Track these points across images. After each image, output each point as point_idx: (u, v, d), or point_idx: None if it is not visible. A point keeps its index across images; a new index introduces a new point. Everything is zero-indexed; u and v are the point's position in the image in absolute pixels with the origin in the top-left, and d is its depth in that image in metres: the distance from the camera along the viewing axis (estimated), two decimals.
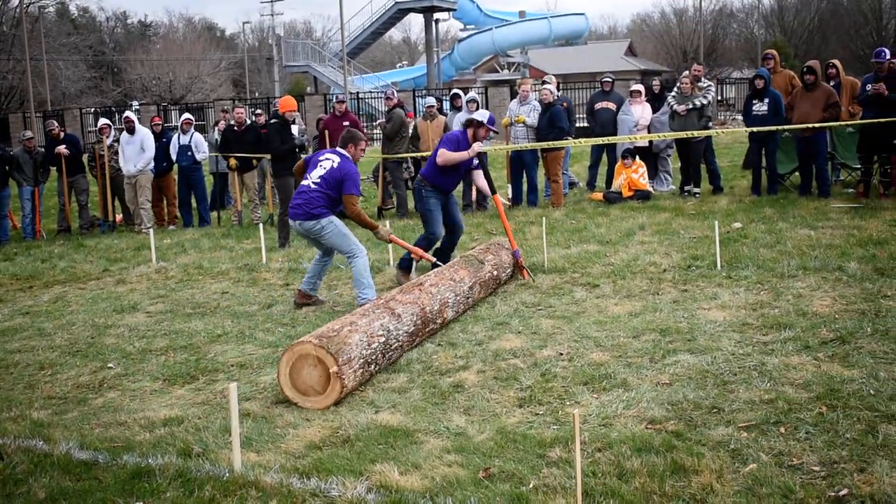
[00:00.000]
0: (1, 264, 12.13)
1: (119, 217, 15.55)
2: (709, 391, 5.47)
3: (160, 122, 15.28)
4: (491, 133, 9.56)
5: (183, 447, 5.02)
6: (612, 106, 15.18)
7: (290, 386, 5.81)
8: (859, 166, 13.02)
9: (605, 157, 15.69)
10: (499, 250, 9.08)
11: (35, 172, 14.58)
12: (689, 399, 5.33)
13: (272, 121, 11.86)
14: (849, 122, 13.12)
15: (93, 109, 44.83)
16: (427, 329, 7.08)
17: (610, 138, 14.19)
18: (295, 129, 12.46)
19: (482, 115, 9.51)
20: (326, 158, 8.49)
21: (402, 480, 4.44)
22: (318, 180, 8.34)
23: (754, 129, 13.00)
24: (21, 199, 14.52)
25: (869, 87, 12.23)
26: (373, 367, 6.15)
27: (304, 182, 8.49)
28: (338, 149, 8.65)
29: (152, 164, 14.54)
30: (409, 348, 6.82)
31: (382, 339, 6.29)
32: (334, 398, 5.69)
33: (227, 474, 4.59)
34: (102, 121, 15.46)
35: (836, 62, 14.14)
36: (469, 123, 9.47)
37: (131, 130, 14.38)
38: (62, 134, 15.13)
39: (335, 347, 5.74)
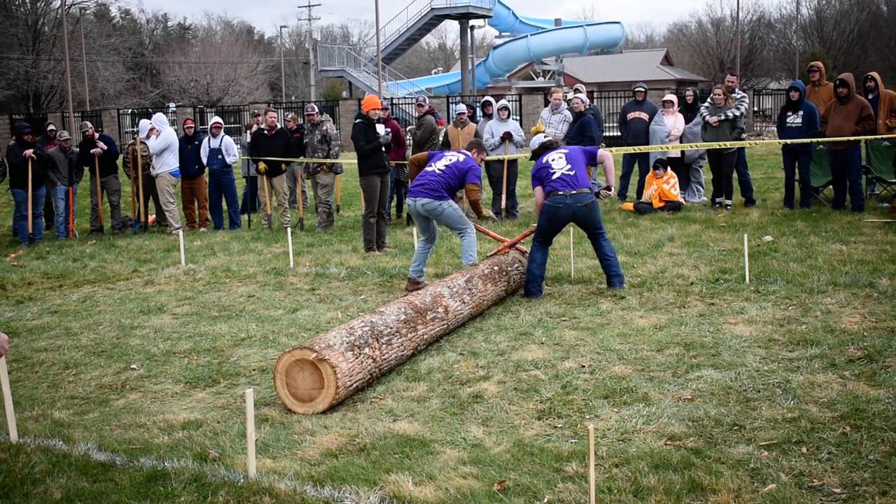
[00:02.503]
0: (33, 263, 12.26)
1: (152, 218, 15.67)
2: (731, 408, 5.40)
3: (193, 126, 15.37)
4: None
5: (200, 451, 5.03)
6: (644, 116, 15.08)
7: (294, 402, 5.84)
8: (894, 180, 12.84)
9: (636, 168, 15.59)
10: (498, 256, 9.19)
11: (70, 172, 14.73)
12: (711, 415, 5.27)
13: (357, 120, 11.87)
14: (883, 136, 12.95)
15: (130, 110, 45.28)
16: (429, 317, 7.13)
17: (641, 147, 14.11)
18: (380, 129, 12.45)
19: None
20: (453, 154, 9.55)
21: (416, 491, 4.41)
22: (444, 168, 9.32)
23: (787, 141, 12.87)
24: (55, 199, 14.66)
25: None
26: (368, 350, 6.15)
27: (429, 169, 9.41)
28: (463, 150, 9.76)
29: (173, 167, 14.63)
30: (416, 336, 6.84)
31: (367, 328, 6.35)
32: (333, 386, 5.71)
33: (242, 480, 4.59)
34: (143, 122, 15.58)
35: (875, 74, 13.96)
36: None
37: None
38: (97, 135, 15.26)
39: (308, 343, 5.90)
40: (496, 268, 8.82)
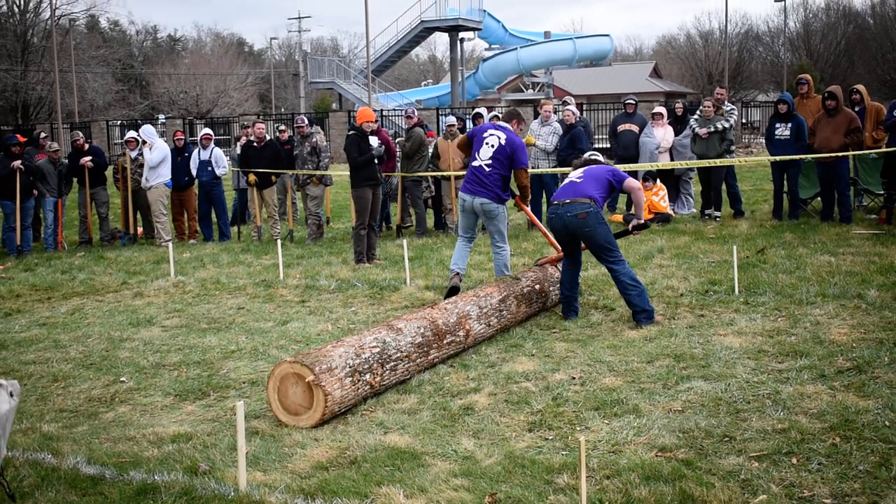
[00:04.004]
0: (21, 275, 12.21)
1: (140, 230, 15.63)
2: (721, 419, 5.41)
3: (183, 137, 15.35)
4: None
5: (190, 464, 5.01)
6: (634, 128, 15.14)
7: (282, 411, 5.80)
8: (882, 192, 12.92)
9: None
10: (544, 268, 9.00)
11: (59, 183, 14.68)
12: (701, 427, 5.27)
13: (350, 132, 11.88)
14: (872, 150, 13.02)
15: (119, 122, 45.22)
16: (446, 342, 6.98)
17: (629, 165, 14.19)
18: (374, 141, 12.45)
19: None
20: (491, 134, 8.93)
21: None
22: (491, 161, 8.84)
23: (776, 158, 12.95)
24: (44, 210, 14.62)
25: None
26: (368, 376, 6.06)
27: (475, 163, 8.95)
28: (500, 123, 9.23)
29: (166, 178, 14.61)
30: (425, 361, 6.74)
31: (377, 350, 6.21)
32: (321, 410, 5.64)
33: (233, 493, 4.57)
34: (130, 134, 15.55)
35: (861, 87, 14.06)
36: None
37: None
38: (87, 145, 15.22)
39: (310, 360, 5.74)
40: (538, 286, 8.52)
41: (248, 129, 15.50)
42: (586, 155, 9.11)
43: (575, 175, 8.42)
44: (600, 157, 8.88)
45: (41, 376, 7.29)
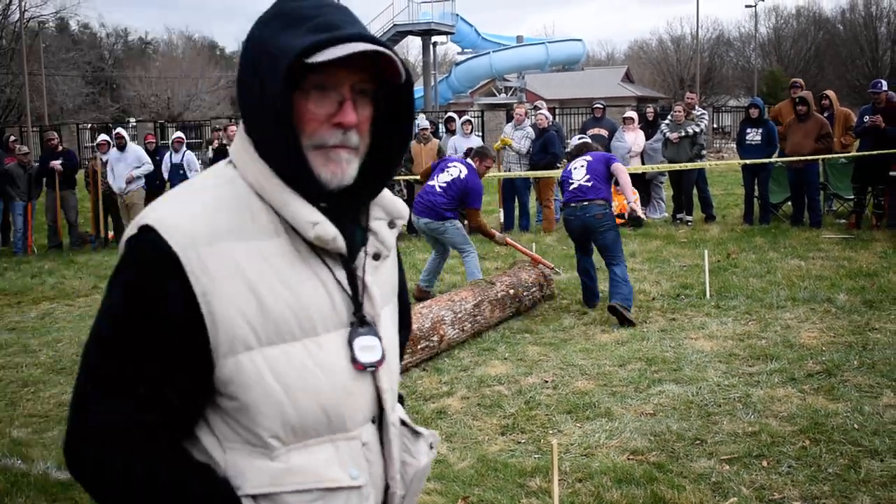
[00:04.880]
0: None
1: (111, 234, 15.50)
2: (692, 422, 5.45)
3: (154, 141, 15.26)
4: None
5: None
6: (604, 132, 15.22)
7: None
8: (852, 197, 13.06)
9: None
10: (517, 272, 9.00)
11: (29, 187, 14.55)
12: (673, 430, 5.31)
13: None
14: (841, 154, 13.16)
15: (89, 125, 44.85)
16: (420, 347, 6.96)
17: None
18: None
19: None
20: (455, 166, 9.20)
21: None
22: (444, 185, 9.07)
23: (746, 161, 13.07)
24: (13, 214, 14.48)
25: (867, 118, 12.27)
26: None
27: (431, 183, 9.20)
28: (468, 160, 9.40)
29: (142, 182, 14.50)
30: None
31: None
32: None
33: None
34: (102, 137, 15.42)
35: (830, 93, 14.21)
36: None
37: (122, 147, 14.32)
38: (60, 147, 15.09)
39: None
40: (511, 291, 8.51)
41: (219, 132, 15.43)
42: (577, 141, 9.47)
43: (581, 177, 8.54)
44: (589, 140, 9.46)
45: (10, 381, 7.22)
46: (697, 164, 13.62)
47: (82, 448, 1.56)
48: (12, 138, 15.17)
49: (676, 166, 13.35)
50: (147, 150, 14.87)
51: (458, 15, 51.59)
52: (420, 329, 7.00)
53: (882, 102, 12.31)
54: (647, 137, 15.08)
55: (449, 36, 52.67)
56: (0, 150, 15.29)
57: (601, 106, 15.88)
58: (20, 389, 7.01)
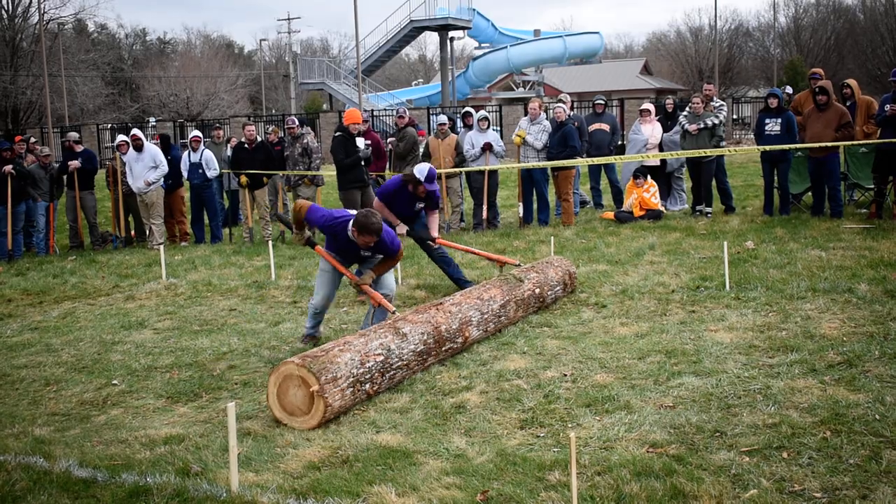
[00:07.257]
0: (13, 279, 12.17)
1: (133, 233, 15.58)
2: (712, 414, 5.42)
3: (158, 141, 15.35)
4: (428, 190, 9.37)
5: (182, 466, 5.00)
6: (605, 127, 15.19)
7: (278, 407, 5.79)
8: (872, 186, 12.95)
9: (605, 178, 15.79)
10: (545, 268, 8.95)
11: (50, 188, 14.66)
12: (692, 422, 5.29)
13: (337, 133, 11.86)
14: (862, 142, 13.05)
15: (109, 125, 45.10)
16: (444, 349, 6.97)
17: (608, 159, 14.32)
18: (360, 143, 12.41)
19: (421, 170, 9.28)
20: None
21: (399, 503, 4.41)
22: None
23: (765, 148, 12.97)
24: (35, 215, 14.57)
25: (887, 107, 12.16)
26: (368, 386, 6.05)
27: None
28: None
29: (161, 181, 14.56)
30: (421, 368, 6.73)
31: (381, 358, 6.20)
32: (318, 418, 5.63)
33: (225, 494, 4.57)
34: (120, 137, 15.48)
35: (852, 82, 14.08)
36: (409, 180, 9.37)
37: (139, 148, 14.39)
38: (78, 147, 15.18)
39: (318, 367, 5.68)
40: (537, 290, 8.48)
41: (219, 132, 15.54)
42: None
43: None
44: None
45: (33, 380, 7.28)
46: (716, 151, 13.54)
47: None
48: (33, 139, 15.27)
49: (696, 152, 13.27)
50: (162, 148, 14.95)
51: (474, 10, 51.49)
52: (448, 331, 6.99)
53: None
54: (667, 129, 15.01)
55: (466, 31, 52.56)
56: (11, 149, 15.35)
57: (602, 101, 15.84)
58: (42, 388, 7.07)
